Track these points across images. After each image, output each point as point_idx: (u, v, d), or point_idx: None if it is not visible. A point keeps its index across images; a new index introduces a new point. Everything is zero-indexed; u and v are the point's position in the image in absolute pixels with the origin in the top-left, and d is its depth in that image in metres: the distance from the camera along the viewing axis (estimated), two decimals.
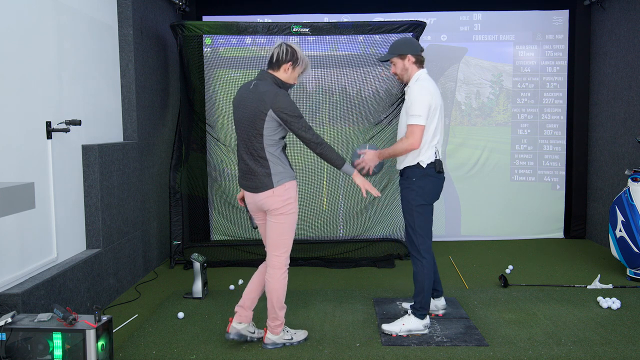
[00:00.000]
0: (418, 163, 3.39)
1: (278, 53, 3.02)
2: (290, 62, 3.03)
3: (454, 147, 6.25)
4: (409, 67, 3.45)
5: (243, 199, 3.31)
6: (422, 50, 3.49)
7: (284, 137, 3.10)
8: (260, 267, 3.31)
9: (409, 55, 3.43)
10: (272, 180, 3.02)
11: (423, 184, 3.40)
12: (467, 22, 6.18)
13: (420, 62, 3.48)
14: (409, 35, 5.13)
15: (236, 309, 3.26)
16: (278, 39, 5.53)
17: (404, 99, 3.55)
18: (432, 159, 3.40)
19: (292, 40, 5.52)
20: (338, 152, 3.10)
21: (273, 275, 3.14)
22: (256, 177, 3.04)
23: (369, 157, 3.46)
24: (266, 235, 3.19)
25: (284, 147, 3.12)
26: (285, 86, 3.07)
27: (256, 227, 3.31)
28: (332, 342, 3.30)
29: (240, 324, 3.23)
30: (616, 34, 5.58)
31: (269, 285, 3.15)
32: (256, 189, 3.05)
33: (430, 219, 3.48)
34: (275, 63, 3.04)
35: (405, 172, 3.46)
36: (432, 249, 3.48)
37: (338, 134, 5.65)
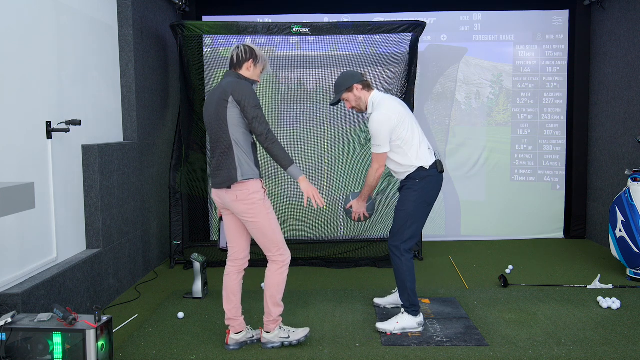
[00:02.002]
0: (421, 167, 3.43)
1: (237, 54, 3.11)
2: (251, 60, 3.11)
3: (454, 147, 6.24)
4: (361, 95, 3.49)
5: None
6: (363, 75, 3.54)
7: (251, 132, 3.09)
8: (224, 275, 3.28)
9: (354, 85, 3.47)
10: (236, 173, 3.01)
11: (425, 184, 3.44)
12: (467, 22, 6.18)
13: (367, 86, 3.52)
14: (409, 35, 5.15)
15: (226, 322, 3.25)
16: (278, 39, 5.53)
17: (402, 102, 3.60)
18: (433, 160, 3.45)
19: (293, 41, 5.53)
20: (288, 154, 3.07)
21: (270, 269, 3.18)
22: (223, 171, 3.04)
23: (356, 206, 3.65)
24: (255, 239, 3.19)
25: (254, 145, 3.12)
26: (249, 82, 3.12)
27: (224, 249, 3.34)
28: (332, 342, 3.30)
29: (238, 333, 3.24)
30: (616, 34, 5.58)
31: (266, 280, 3.18)
32: (222, 183, 3.05)
33: (423, 222, 3.51)
34: (237, 63, 3.12)
35: (408, 177, 3.48)
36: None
37: (338, 133, 5.65)
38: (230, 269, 3.27)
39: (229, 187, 3.04)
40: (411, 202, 3.43)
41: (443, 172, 3.51)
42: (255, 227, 3.09)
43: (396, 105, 3.44)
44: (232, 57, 3.14)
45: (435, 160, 3.48)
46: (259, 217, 3.06)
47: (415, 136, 3.45)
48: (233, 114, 3.00)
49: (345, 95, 3.51)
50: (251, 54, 3.12)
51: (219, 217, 3.39)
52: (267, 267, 3.20)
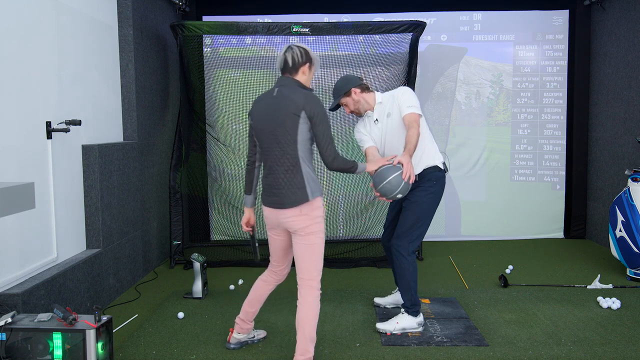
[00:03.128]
0: (437, 165, 3.41)
1: (293, 56, 2.81)
2: (307, 64, 2.84)
3: (454, 147, 6.24)
4: (360, 98, 3.45)
5: (248, 224, 3.11)
6: (361, 79, 3.48)
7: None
8: (261, 280, 3.13)
9: (353, 89, 3.43)
10: (307, 193, 2.76)
11: (439, 187, 3.43)
12: (467, 22, 6.18)
13: (366, 89, 3.48)
14: (409, 35, 5.15)
15: (237, 320, 3.18)
16: (278, 39, 5.53)
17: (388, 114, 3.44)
18: (442, 159, 3.46)
19: (293, 41, 5.53)
20: (348, 160, 2.86)
21: (306, 298, 2.83)
22: (288, 191, 2.77)
23: (406, 161, 3.07)
24: (296, 257, 2.88)
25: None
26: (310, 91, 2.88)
27: (260, 259, 3.16)
28: (332, 342, 3.30)
29: (240, 334, 3.20)
30: (616, 34, 5.58)
31: (302, 313, 2.82)
32: (287, 204, 2.77)
33: (430, 222, 3.50)
34: (292, 67, 2.82)
35: (424, 175, 3.40)
36: None
37: (338, 133, 5.65)
38: (270, 278, 3.09)
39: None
40: (426, 204, 3.40)
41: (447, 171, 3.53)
42: (307, 245, 2.81)
43: None
44: (285, 59, 2.82)
45: (443, 161, 3.50)
46: (316, 234, 2.81)
47: (432, 135, 3.51)
48: (303, 130, 2.74)
49: (344, 100, 3.47)
50: (307, 57, 2.83)
51: (250, 228, 3.10)
52: (301, 295, 2.85)
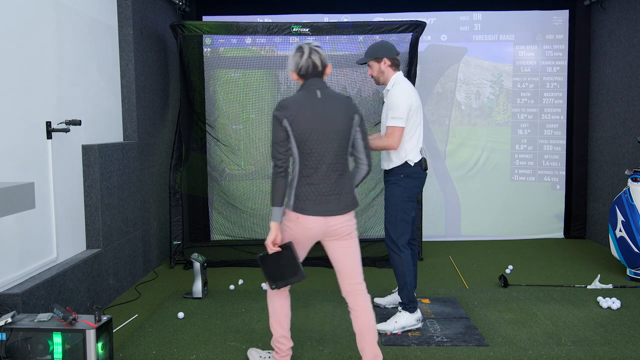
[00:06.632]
0: (406, 162, 3.47)
1: (320, 59, 2.66)
2: (328, 64, 2.73)
3: (454, 147, 6.24)
4: (385, 70, 3.51)
5: (275, 242, 2.70)
6: (397, 53, 3.54)
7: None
8: (280, 303, 2.89)
9: (385, 59, 3.49)
10: (355, 196, 2.75)
11: (409, 181, 3.49)
12: (467, 22, 6.18)
13: (396, 65, 3.53)
14: (409, 35, 5.15)
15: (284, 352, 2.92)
16: (278, 39, 5.52)
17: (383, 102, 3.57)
18: (419, 158, 3.51)
19: (293, 41, 5.52)
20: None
21: (365, 305, 2.81)
22: (344, 196, 2.69)
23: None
24: (344, 263, 2.85)
25: None
26: None
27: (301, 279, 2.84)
28: (332, 342, 3.30)
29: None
30: (616, 34, 5.58)
31: (365, 319, 2.78)
32: (343, 209, 2.69)
33: (411, 214, 3.52)
34: (321, 71, 2.68)
35: (393, 170, 3.51)
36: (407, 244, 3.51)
37: None
38: (286, 298, 2.93)
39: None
40: (395, 197, 3.47)
41: (427, 170, 3.57)
42: (355, 247, 2.81)
43: (415, 95, 3.48)
44: (314, 63, 2.63)
45: (421, 159, 3.52)
46: (357, 236, 2.83)
47: (417, 134, 3.50)
48: (352, 133, 2.70)
49: (372, 63, 3.53)
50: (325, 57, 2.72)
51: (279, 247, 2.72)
52: (359, 303, 2.83)
